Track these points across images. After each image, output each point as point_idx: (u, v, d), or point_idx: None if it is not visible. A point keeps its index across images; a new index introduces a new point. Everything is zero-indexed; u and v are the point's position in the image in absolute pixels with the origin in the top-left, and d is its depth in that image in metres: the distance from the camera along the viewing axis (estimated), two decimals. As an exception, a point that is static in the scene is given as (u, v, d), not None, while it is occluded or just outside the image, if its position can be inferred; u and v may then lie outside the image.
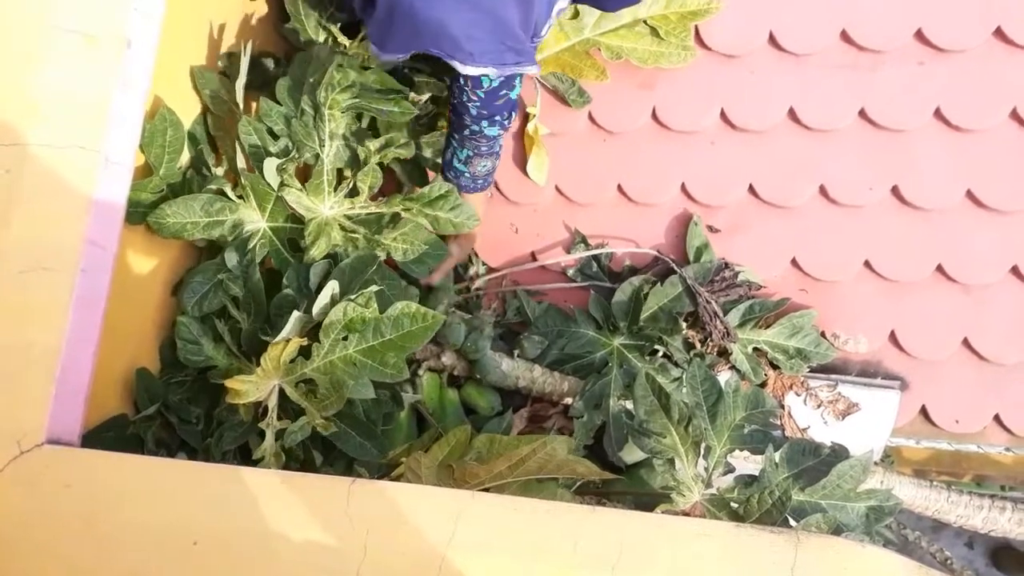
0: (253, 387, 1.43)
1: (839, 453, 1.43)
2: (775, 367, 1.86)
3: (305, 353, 1.42)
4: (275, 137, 1.58)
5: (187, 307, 1.50)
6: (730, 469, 1.45)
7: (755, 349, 1.85)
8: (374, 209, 1.61)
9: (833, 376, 1.89)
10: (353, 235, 1.60)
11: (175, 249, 1.60)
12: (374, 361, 1.39)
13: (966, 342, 1.84)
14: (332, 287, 1.44)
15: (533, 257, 2.03)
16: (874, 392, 1.85)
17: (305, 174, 1.60)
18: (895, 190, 1.82)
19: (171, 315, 1.57)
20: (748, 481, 1.39)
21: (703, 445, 1.42)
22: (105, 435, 1.39)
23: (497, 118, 1.57)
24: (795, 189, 1.87)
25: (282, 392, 1.46)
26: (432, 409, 1.83)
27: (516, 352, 1.87)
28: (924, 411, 1.90)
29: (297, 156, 1.56)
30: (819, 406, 1.85)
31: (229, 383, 1.40)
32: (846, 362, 1.91)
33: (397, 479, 1.47)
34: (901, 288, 1.86)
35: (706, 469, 1.42)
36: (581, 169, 1.98)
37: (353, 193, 1.61)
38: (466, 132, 1.60)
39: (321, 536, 1.05)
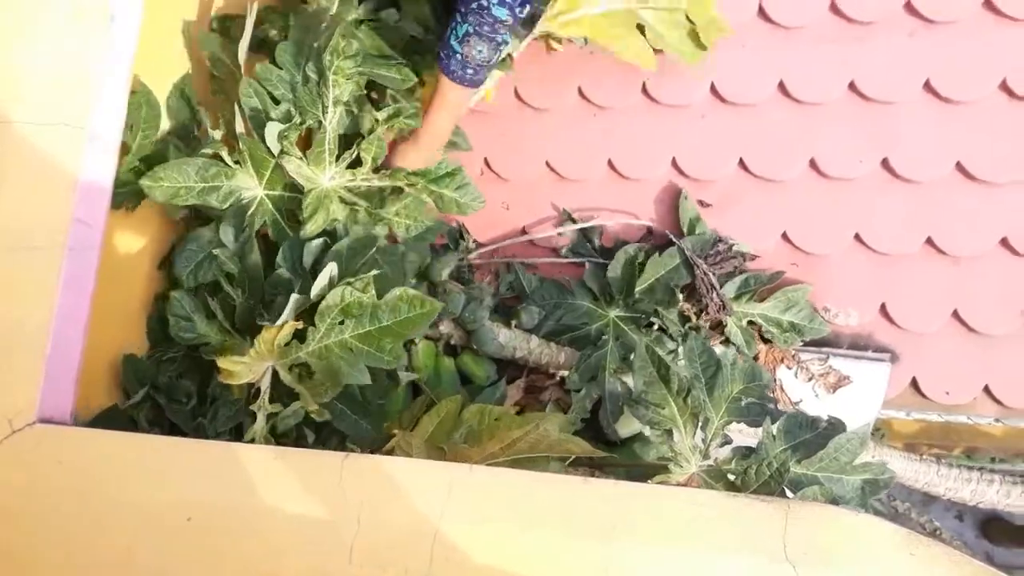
0: (246, 368, 1.40)
1: (836, 426, 1.43)
2: (766, 340, 1.87)
3: (300, 336, 1.38)
4: (276, 102, 1.53)
5: (182, 275, 1.46)
6: (727, 441, 1.46)
7: (749, 322, 1.85)
8: (376, 182, 1.57)
9: (824, 349, 1.89)
10: (354, 208, 1.56)
11: (156, 225, 1.57)
12: (370, 347, 1.36)
13: (956, 314, 1.85)
14: (331, 270, 1.40)
15: (524, 234, 2.02)
16: (865, 365, 1.86)
17: (305, 143, 1.56)
18: (885, 163, 1.81)
19: (157, 290, 1.55)
20: (745, 453, 1.39)
21: (701, 417, 1.43)
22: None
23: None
24: (785, 163, 1.86)
25: (275, 374, 1.43)
26: (427, 377, 1.81)
27: (513, 322, 1.88)
28: (915, 383, 1.90)
29: (300, 122, 1.51)
30: (810, 379, 1.86)
31: (221, 363, 1.38)
32: (837, 335, 1.91)
33: (390, 453, 1.47)
34: (891, 261, 1.86)
35: (704, 441, 1.42)
36: (572, 145, 1.97)
37: (355, 164, 1.57)
38: (473, 4, 1.42)
39: (315, 510, 1.05)
